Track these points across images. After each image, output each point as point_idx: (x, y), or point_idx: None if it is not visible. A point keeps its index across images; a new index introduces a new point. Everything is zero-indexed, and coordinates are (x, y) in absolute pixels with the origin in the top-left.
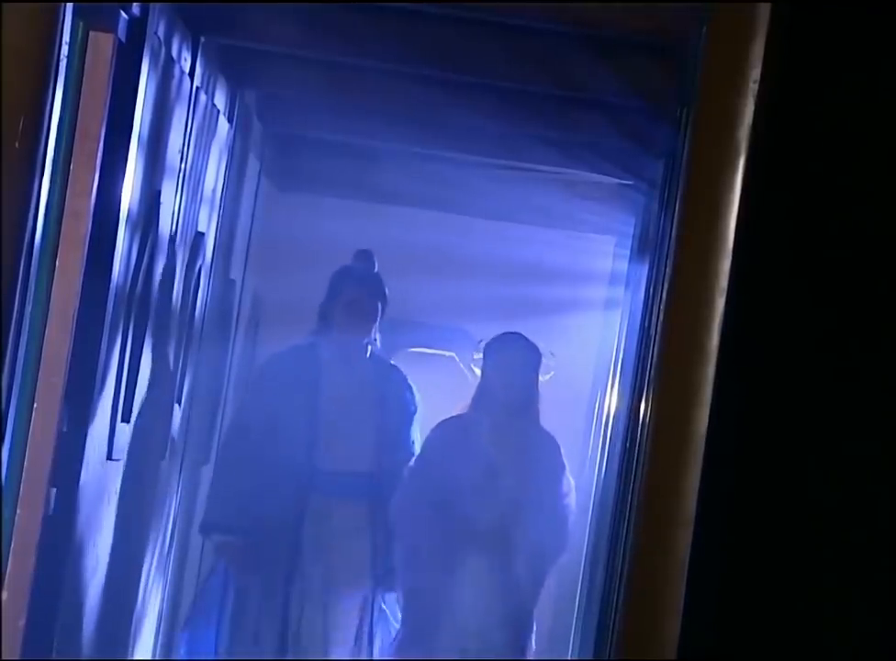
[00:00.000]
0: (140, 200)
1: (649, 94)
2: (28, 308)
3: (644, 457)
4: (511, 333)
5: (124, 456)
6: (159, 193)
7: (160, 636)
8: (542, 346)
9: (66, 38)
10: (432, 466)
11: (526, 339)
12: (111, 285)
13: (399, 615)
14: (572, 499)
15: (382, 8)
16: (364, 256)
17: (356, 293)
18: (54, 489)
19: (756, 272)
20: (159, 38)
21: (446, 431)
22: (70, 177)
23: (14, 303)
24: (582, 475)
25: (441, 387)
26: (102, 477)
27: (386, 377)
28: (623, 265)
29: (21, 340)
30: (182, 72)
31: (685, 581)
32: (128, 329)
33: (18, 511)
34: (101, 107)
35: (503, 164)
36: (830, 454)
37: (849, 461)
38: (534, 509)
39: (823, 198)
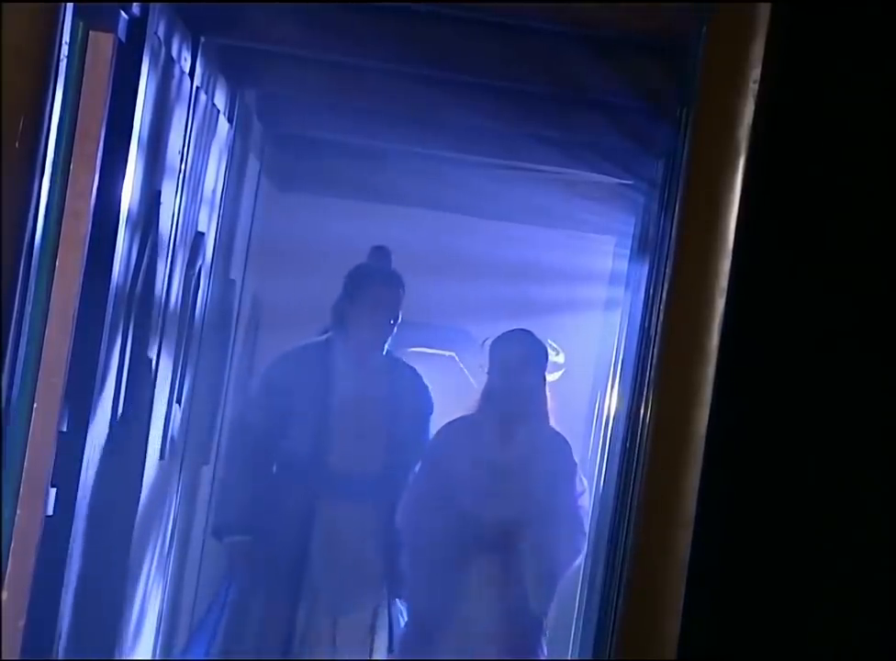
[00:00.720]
0: (140, 200)
1: (649, 94)
2: (28, 308)
3: (644, 458)
4: (518, 330)
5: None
6: (159, 193)
7: (160, 636)
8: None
9: (66, 38)
10: (439, 469)
11: (533, 335)
12: (111, 285)
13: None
14: (586, 500)
15: (382, 8)
16: (382, 254)
17: (378, 292)
18: (54, 489)
19: (756, 272)
20: (159, 38)
21: (452, 432)
22: (70, 177)
23: (14, 303)
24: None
25: (441, 387)
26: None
27: (401, 377)
28: (623, 265)
29: (21, 340)
30: (182, 72)
31: (685, 581)
32: (128, 329)
33: (18, 511)
34: (101, 107)
35: (503, 164)
36: (830, 455)
37: (849, 461)
38: (546, 511)
39: (823, 198)
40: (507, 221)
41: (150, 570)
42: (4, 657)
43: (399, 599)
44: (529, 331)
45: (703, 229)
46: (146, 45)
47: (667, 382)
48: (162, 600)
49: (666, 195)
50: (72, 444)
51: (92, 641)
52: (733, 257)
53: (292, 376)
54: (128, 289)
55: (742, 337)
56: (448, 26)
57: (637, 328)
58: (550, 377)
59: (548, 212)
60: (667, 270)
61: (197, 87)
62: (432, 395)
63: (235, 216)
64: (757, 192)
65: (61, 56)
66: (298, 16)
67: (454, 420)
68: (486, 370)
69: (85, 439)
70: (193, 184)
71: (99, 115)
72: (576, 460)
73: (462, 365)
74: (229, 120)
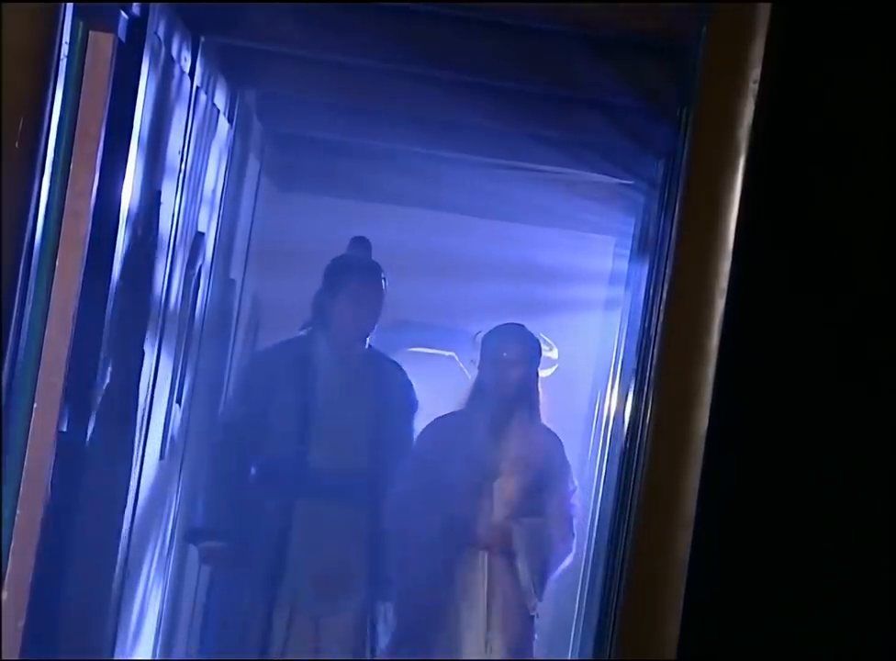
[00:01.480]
0: (140, 200)
1: (649, 94)
2: (28, 308)
3: (643, 457)
4: (510, 324)
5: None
6: (159, 193)
7: (160, 636)
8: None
9: (66, 38)
10: (425, 467)
11: (526, 329)
12: (111, 285)
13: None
14: (577, 500)
15: (382, 8)
16: (361, 243)
17: (360, 284)
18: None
19: (756, 272)
20: (159, 38)
21: (439, 429)
22: (70, 177)
23: (14, 303)
24: (582, 475)
25: (440, 388)
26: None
27: (384, 372)
28: (623, 265)
29: (21, 340)
30: (182, 72)
31: (685, 581)
32: (127, 329)
33: (18, 511)
34: (101, 107)
35: (503, 164)
36: (830, 455)
37: (850, 461)
38: (537, 511)
39: (823, 198)
40: (507, 221)
41: (150, 570)
42: (4, 657)
43: (384, 600)
44: (521, 325)
45: (703, 229)
46: (146, 45)
47: (667, 382)
48: (162, 600)
49: (666, 195)
50: (72, 444)
51: (92, 640)
52: (733, 257)
53: (271, 374)
54: (128, 289)
55: (742, 337)
56: (448, 26)
57: (637, 328)
58: (543, 373)
59: (548, 212)
60: (667, 270)
61: (197, 87)
62: (417, 391)
63: (235, 216)
64: (757, 192)
65: (61, 56)
66: (298, 16)
67: (441, 417)
68: (477, 364)
69: (85, 439)
70: (193, 184)
71: (99, 115)
72: (569, 459)
73: (462, 365)
74: (229, 120)
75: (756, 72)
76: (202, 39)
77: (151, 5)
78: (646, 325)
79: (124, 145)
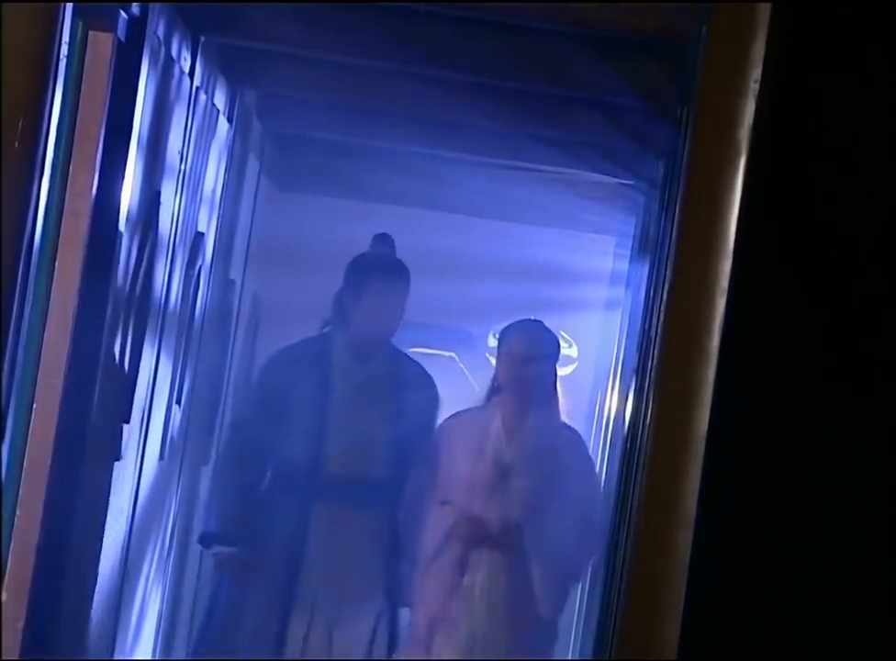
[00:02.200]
0: (140, 200)
1: (649, 94)
2: (28, 308)
3: (644, 458)
4: (529, 320)
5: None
6: (159, 193)
7: (160, 636)
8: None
9: (66, 38)
10: (441, 465)
11: (543, 325)
12: (111, 285)
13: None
14: (601, 496)
15: (382, 8)
16: (385, 241)
17: (384, 282)
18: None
19: (756, 272)
20: (159, 38)
21: (455, 426)
22: (70, 177)
23: (14, 303)
24: None
25: (441, 388)
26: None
27: (406, 373)
28: (623, 265)
29: (21, 340)
30: (182, 72)
31: (685, 581)
32: (128, 329)
33: (18, 512)
34: (101, 107)
35: (503, 164)
36: (831, 455)
37: (850, 462)
38: (558, 508)
39: (823, 198)
40: (507, 221)
41: (149, 571)
42: (4, 657)
43: (401, 607)
44: (540, 321)
45: (703, 229)
46: (146, 45)
47: (667, 382)
48: (162, 600)
49: (666, 195)
50: (72, 444)
51: (92, 641)
52: (733, 257)
53: (290, 375)
54: (128, 289)
55: (742, 337)
56: (448, 26)
57: (637, 328)
58: (562, 371)
59: (548, 212)
60: (667, 270)
61: (197, 87)
62: (438, 391)
63: (235, 216)
64: (757, 192)
65: (61, 56)
66: (298, 16)
67: (457, 413)
68: (495, 359)
69: (85, 439)
70: (193, 184)
71: (99, 115)
72: (592, 456)
73: (462, 366)
74: (229, 120)
75: (756, 72)
76: (202, 38)
77: (151, 5)
78: (647, 325)
79: (124, 145)
